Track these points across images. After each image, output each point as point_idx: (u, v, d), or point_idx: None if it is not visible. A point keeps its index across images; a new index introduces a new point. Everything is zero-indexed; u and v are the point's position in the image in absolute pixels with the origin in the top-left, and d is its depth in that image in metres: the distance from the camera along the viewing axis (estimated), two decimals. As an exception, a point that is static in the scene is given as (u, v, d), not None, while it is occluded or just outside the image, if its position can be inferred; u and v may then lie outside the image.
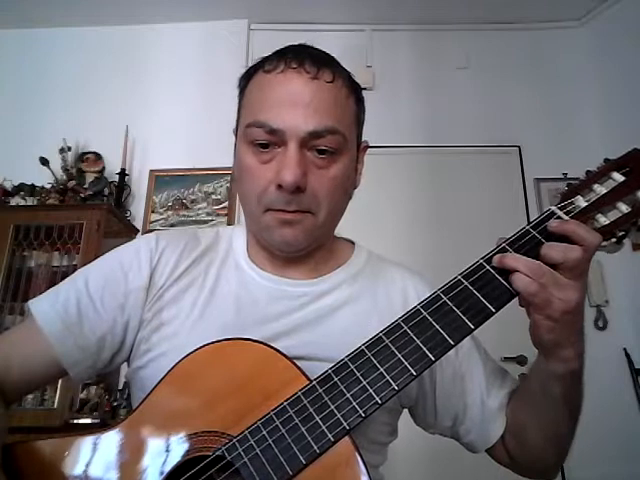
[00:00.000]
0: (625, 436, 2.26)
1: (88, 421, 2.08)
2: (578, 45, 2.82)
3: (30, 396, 2.07)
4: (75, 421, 2.06)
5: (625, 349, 2.38)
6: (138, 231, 2.54)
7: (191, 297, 0.69)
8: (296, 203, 0.64)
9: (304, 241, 0.68)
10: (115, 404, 2.19)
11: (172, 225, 2.57)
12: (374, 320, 0.68)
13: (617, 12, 2.68)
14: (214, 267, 0.73)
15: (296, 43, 0.71)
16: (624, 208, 0.58)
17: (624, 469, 2.19)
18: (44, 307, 0.68)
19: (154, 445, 0.57)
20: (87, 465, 0.58)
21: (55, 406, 2.06)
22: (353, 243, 0.81)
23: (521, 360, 2.39)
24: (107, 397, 2.18)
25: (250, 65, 0.72)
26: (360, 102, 0.72)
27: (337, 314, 0.69)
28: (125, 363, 0.72)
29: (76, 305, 0.67)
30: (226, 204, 2.58)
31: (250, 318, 0.67)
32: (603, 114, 2.62)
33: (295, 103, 0.63)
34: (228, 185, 2.59)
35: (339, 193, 0.68)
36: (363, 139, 0.75)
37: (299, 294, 0.70)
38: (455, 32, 2.90)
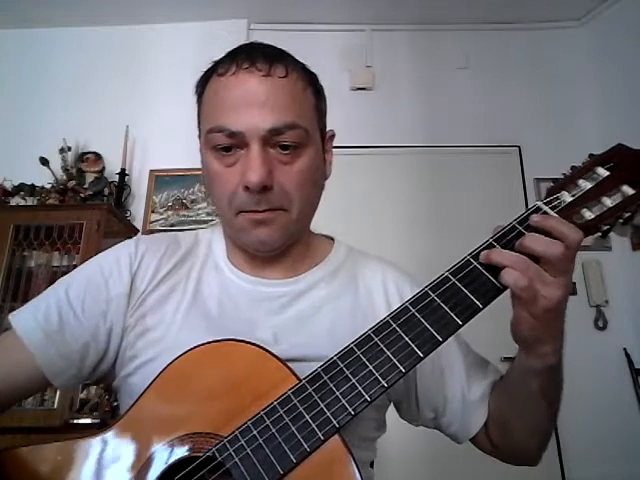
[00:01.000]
0: (625, 436, 2.26)
1: (88, 421, 2.08)
2: (578, 45, 2.82)
3: (30, 396, 2.07)
4: (75, 421, 2.06)
5: (625, 349, 2.38)
6: (138, 231, 2.54)
7: (174, 302, 0.69)
8: (265, 202, 0.64)
9: (279, 239, 0.68)
10: (115, 404, 2.19)
11: (172, 225, 2.57)
12: (359, 317, 0.69)
13: (617, 12, 2.68)
14: (195, 270, 0.72)
15: (247, 42, 0.71)
16: (609, 202, 0.59)
17: (624, 469, 2.20)
18: (25, 318, 0.67)
19: (145, 447, 0.56)
20: (79, 469, 0.57)
21: (55, 406, 2.06)
22: (332, 239, 0.80)
23: (521, 360, 2.39)
24: (107, 397, 2.18)
25: (204, 69, 0.72)
26: (319, 92, 0.72)
27: (319, 313, 0.69)
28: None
29: (57, 314, 0.67)
30: (226, 204, 2.58)
31: (233, 321, 0.67)
32: (603, 114, 2.62)
33: (251, 103, 0.63)
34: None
35: (309, 186, 0.68)
36: (329, 129, 0.75)
37: (278, 294, 0.70)
38: (455, 32, 2.90)
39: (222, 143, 0.64)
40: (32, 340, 0.65)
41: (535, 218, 0.56)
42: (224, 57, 0.69)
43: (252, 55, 0.66)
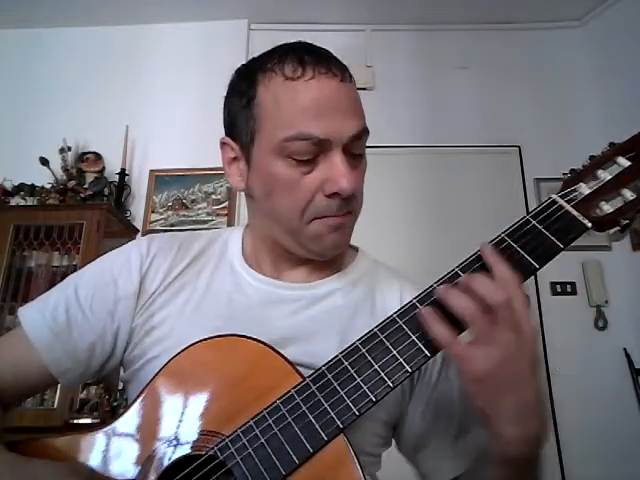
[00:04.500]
0: (625, 436, 2.26)
1: (88, 421, 2.08)
2: (578, 45, 2.82)
3: (30, 396, 2.07)
4: (75, 421, 2.06)
5: (625, 349, 2.37)
6: (138, 231, 2.54)
7: (182, 300, 0.68)
8: (345, 207, 0.64)
9: (348, 242, 0.69)
10: (115, 404, 2.19)
11: (172, 225, 2.57)
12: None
13: (617, 12, 2.68)
14: (207, 270, 0.72)
15: (292, 42, 0.67)
16: (629, 195, 0.56)
17: (624, 469, 2.19)
18: (33, 315, 0.67)
19: (146, 445, 0.56)
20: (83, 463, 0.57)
21: (55, 406, 2.06)
22: (356, 250, 0.79)
23: (521, 360, 2.38)
24: (107, 397, 2.18)
25: (244, 71, 0.68)
26: None
27: (332, 322, 0.67)
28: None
29: (65, 313, 0.67)
30: (226, 204, 2.58)
31: (243, 321, 0.66)
32: (603, 114, 2.61)
33: (335, 109, 0.61)
34: (228, 185, 2.59)
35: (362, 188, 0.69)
36: None
37: (294, 298, 0.69)
38: (455, 32, 2.90)
39: (305, 151, 0.61)
40: (39, 338, 0.65)
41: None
42: (280, 58, 0.64)
43: (322, 58, 0.64)
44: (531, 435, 0.51)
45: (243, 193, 0.73)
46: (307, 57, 0.63)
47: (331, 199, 0.62)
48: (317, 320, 0.67)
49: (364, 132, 0.64)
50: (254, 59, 0.69)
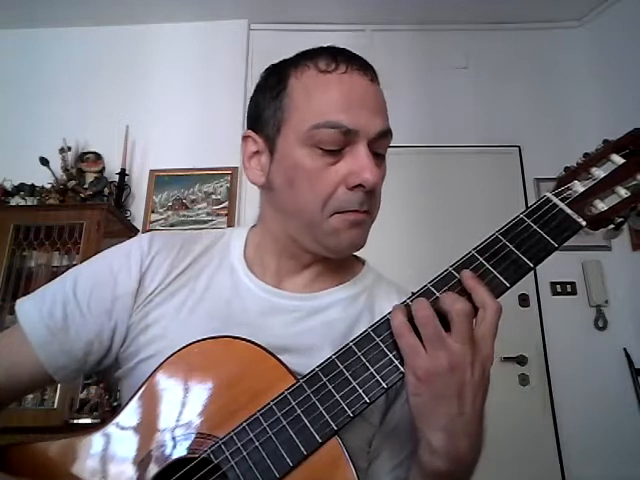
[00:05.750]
0: (625, 436, 2.26)
1: (88, 421, 2.08)
2: (578, 45, 2.82)
3: (30, 396, 2.07)
4: (75, 421, 2.06)
5: (625, 349, 2.38)
6: (138, 231, 2.54)
7: (179, 300, 0.68)
8: (367, 203, 0.64)
9: (365, 241, 0.68)
10: (115, 404, 2.19)
11: (172, 225, 2.57)
12: None
13: (617, 12, 2.68)
14: (207, 270, 0.71)
15: (326, 45, 0.69)
16: (623, 192, 0.55)
17: (624, 469, 2.20)
18: (30, 310, 0.67)
19: (139, 448, 0.56)
20: (71, 468, 0.57)
21: (55, 406, 2.06)
22: (363, 262, 0.78)
23: (521, 360, 2.39)
24: (107, 397, 2.18)
25: (272, 64, 0.70)
26: None
27: (331, 335, 0.66)
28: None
29: (62, 309, 0.66)
30: (226, 204, 2.58)
31: (241, 325, 0.65)
32: (603, 114, 2.61)
33: (365, 105, 0.63)
34: (228, 185, 2.59)
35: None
36: None
37: (293, 308, 0.68)
38: (455, 32, 2.90)
39: (332, 140, 0.62)
40: (35, 335, 0.65)
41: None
42: (314, 55, 0.66)
43: (354, 57, 0.66)
44: (461, 453, 0.51)
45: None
46: (340, 56, 0.65)
47: (353, 193, 0.62)
48: (315, 331, 0.66)
49: (389, 132, 0.65)
50: (285, 59, 0.70)
